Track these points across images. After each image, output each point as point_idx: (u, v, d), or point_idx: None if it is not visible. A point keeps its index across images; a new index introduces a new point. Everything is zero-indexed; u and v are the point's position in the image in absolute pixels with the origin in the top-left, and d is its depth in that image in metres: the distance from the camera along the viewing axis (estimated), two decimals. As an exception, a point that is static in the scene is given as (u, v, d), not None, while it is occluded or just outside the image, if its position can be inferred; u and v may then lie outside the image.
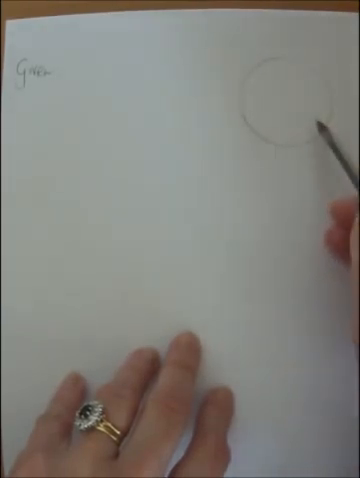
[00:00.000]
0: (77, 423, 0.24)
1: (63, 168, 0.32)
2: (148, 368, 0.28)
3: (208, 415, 0.28)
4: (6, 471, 0.30)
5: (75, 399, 0.29)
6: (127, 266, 0.31)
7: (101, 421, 0.24)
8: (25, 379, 0.31)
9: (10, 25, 0.33)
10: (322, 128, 0.31)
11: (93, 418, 0.24)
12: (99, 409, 0.24)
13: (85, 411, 0.24)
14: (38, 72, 0.32)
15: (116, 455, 0.23)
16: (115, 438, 0.24)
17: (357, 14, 0.32)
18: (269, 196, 0.31)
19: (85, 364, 0.30)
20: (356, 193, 0.28)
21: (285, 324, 0.30)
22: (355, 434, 0.29)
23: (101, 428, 0.24)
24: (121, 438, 0.24)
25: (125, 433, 0.24)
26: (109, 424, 0.24)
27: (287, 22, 0.32)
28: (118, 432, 0.24)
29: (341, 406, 0.29)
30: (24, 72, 0.32)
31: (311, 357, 0.29)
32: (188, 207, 0.31)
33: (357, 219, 0.26)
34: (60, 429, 0.26)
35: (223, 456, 0.26)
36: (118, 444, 0.24)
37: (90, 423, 0.24)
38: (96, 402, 0.25)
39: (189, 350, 0.29)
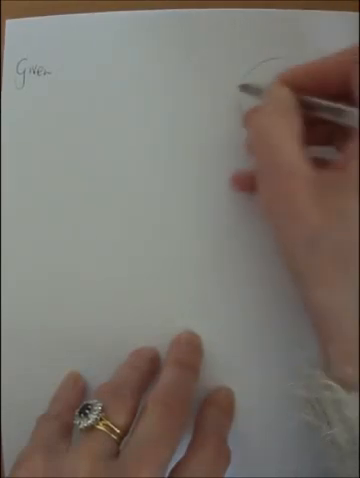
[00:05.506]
0: (77, 422, 0.24)
1: (63, 167, 0.32)
2: (148, 367, 0.28)
3: (209, 415, 0.28)
4: (6, 471, 0.30)
5: (75, 399, 0.29)
6: (127, 266, 0.31)
7: (101, 420, 0.24)
8: (25, 379, 0.31)
9: (10, 25, 0.33)
10: (244, 88, 0.30)
11: (92, 416, 0.24)
12: (98, 407, 0.24)
13: (84, 410, 0.24)
14: (38, 72, 0.32)
15: (116, 454, 0.23)
16: (115, 437, 0.24)
17: (357, 14, 0.32)
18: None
19: (85, 364, 0.30)
20: None
21: (286, 323, 0.30)
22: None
23: (101, 427, 0.24)
24: (121, 437, 0.24)
25: (125, 432, 0.24)
26: (109, 422, 0.24)
27: (287, 22, 0.32)
28: (118, 431, 0.24)
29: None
30: (24, 72, 0.32)
31: (312, 356, 0.29)
32: (187, 206, 0.31)
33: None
34: (60, 429, 0.26)
35: (223, 457, 0.25)
36: (118, 443, 0.24)
37: (90, 422, 0.24)
38: (95, 400, 0.25)
39: (190, 349, 0.29)
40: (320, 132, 0.27)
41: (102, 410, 0.24)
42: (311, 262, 0.23)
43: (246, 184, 0.29)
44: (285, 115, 0.25)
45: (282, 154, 0.24)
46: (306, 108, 0.26)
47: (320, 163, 0.25)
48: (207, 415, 0.27)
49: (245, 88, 0.30)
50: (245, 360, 0.30)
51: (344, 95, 0.25)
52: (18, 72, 0.33)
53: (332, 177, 0.23)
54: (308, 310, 0.24)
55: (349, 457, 0.22)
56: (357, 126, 0.24)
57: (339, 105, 0.25)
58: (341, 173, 0.23)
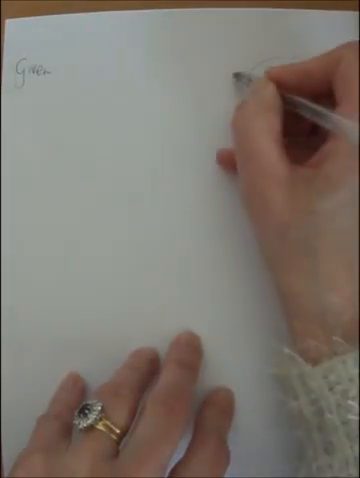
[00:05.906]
0: (76, 422, 0.24)
1: (63, 167, 0.32)
2: (148, 368, 0.28)
3: (209, 415, 0.28)
4: (6, 471, 0.30)
5: (75, 399, 0.29)
6: (127, 266, 0.31)
7: (100, 419, 0.24)
8: (25, 379, 0.31)
9: (10, 24, 0.33)
10: (237, 76, 0.31)
11: (92, 416, 0.24)
12: (98, 407, 0.24)
13: (84, 410, 0.24)
14: (37, 71, 0.32)
15: (116, 454, 0.23)
16: (114, 437, 0.24)
17: (357, 13, 0.32)
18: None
19: (85, 364, 0.30)
20: None
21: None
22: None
23: (100, 426, 0.24)
24: (121, 437, 0.24)
25: (124, 432, 0.24)
26: (108, 422, 0.24)
27: (287, 22, 0.32)
28: (117, 430, 0.24)
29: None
30: (23, 71, 0.32)
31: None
32: (186, 207, 0.31)
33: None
34: (60, 429, 0.26)
35: (223, 457, 0.25)
36: (118, 443, 0.24)
37: (89, 421, 0.24)
38: (95, 400, 0.25)
39: (189, 349, 0.29)
40: (306, 122, 0.28)
41: (102, 410, 0.24)
42: (281, 252, 0.25)
43: (230, 163, 0.29)
44: (266, 112, 0.26)
45: (258, 152, 0.25)
46: (290, 106, 0.27)
47: (300, 154, 0.26)
48: (207, 416, 0.27)
49: (238, 76, 0.31)
50: (245, 360, 0.30)
51: (328, 95, 0.26)
52: (18, 72, 0.33)
53: (305, 175, 0.25)
54: (278, 292, 0.26)
55: (315, 430, 0.23)
56: (334, 129, 0.25)
57: (320, 108, 0.25)
58: (314, 172, 0.24)
